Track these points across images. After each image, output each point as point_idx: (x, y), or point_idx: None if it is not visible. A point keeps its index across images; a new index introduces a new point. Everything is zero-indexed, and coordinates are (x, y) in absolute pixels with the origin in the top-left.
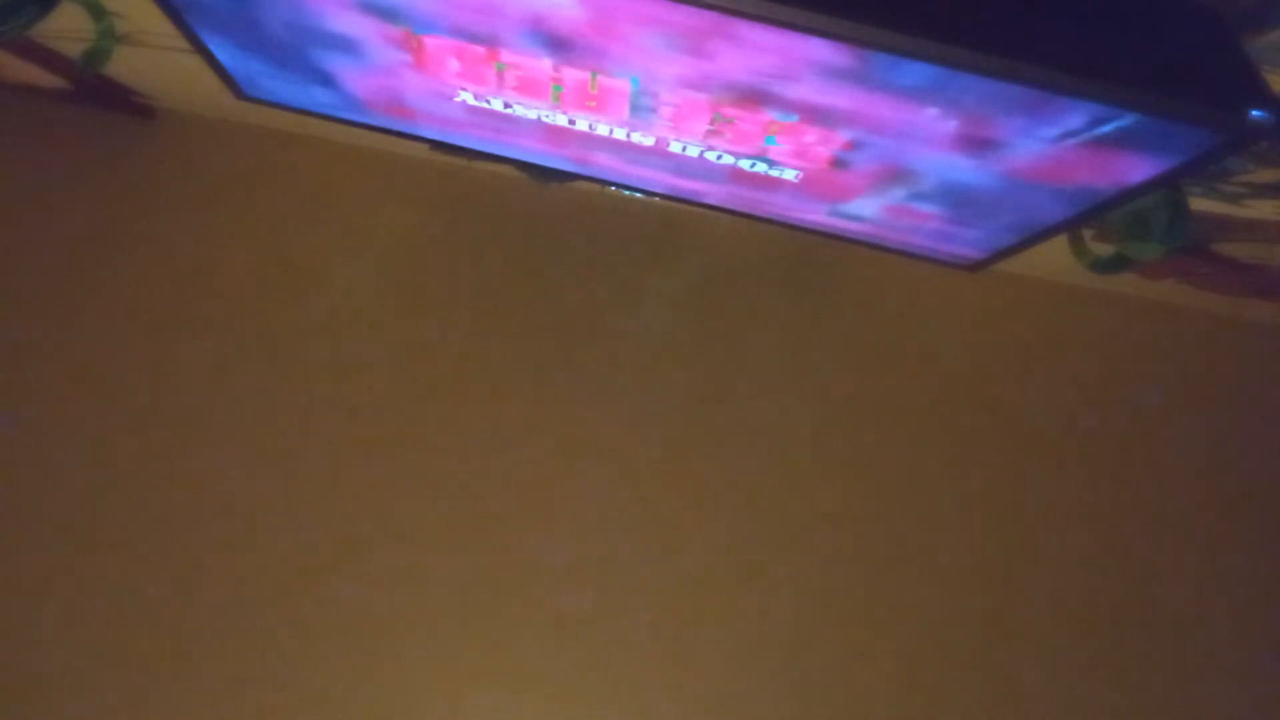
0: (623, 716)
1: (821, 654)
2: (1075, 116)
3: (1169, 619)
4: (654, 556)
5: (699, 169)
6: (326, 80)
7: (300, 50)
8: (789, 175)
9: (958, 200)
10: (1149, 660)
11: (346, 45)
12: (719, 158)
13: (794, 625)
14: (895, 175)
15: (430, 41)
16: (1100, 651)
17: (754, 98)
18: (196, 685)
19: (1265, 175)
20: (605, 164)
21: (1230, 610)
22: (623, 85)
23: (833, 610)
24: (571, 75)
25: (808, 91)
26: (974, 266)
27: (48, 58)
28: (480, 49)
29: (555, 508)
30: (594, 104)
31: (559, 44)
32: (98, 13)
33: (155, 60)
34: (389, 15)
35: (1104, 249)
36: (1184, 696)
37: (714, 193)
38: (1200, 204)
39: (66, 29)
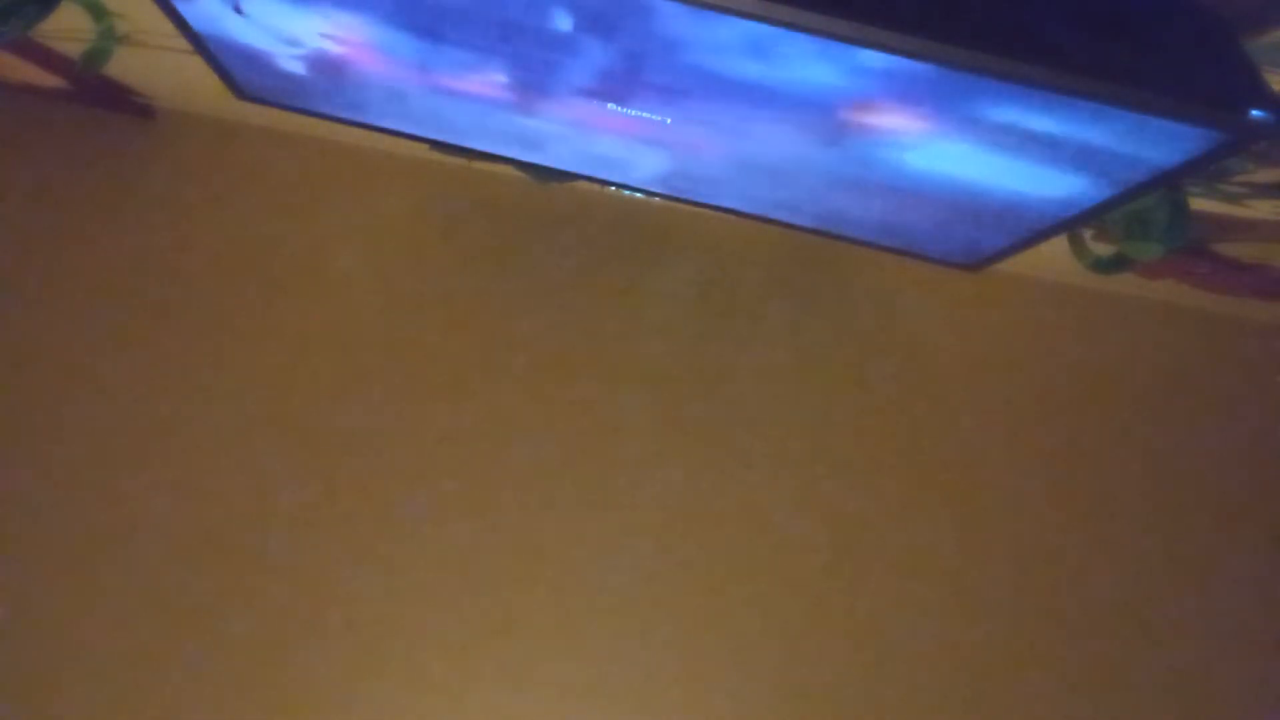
0: (626, 716)
1: (822, 652)
2: (1075, 116)
3: (1169, 619)
4: (656, 555)
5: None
6: (326, 80)
7: (298, 50)
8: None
9: (957, 199)
10: (1149, 661)
11: (347, 45)
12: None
13: (794, 623)
14: (896, 174)
15: (429, 41)
16: (1099, 652)
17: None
18: (198, 685)
19: (1265, 175)
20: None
21: (1231, 610)
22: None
23: (833, 609)
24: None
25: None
26: (974, 266)
27: (48, 58)
28: (476, 49)
29: (556, 506)
30: (599, 118)
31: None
32: (98, 13)
33: (155, 60)
34: (391, 15)
35: (1104, 249)
36: (1184, 697)
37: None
38: (1200, 204)
39: (66, 29)
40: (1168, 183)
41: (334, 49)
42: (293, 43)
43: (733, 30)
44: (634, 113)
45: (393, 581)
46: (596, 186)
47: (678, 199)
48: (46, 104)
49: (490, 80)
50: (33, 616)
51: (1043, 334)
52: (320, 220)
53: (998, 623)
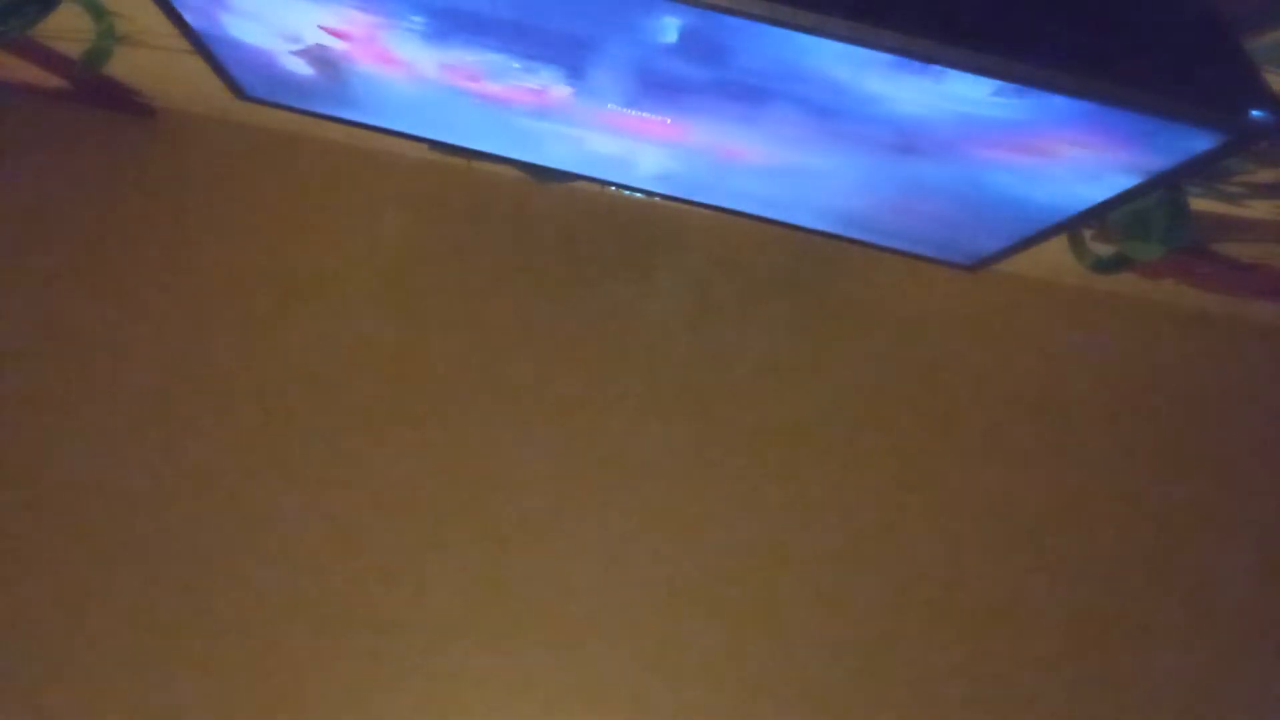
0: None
1: (822, 653)
2: (1074, 116)
3: (1167, 619)
4: (658, 557)
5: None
6: (327, 79)
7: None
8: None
9: (957, 200)
10: (1147, 661)
11: (348, 45)
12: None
13: (795, 624)
14: (896, 174)
15: (425, 38)
16: (1100, 653)
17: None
18: (199, 687)
19: (1265, 175)
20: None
21: (1230, 611)
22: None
23: (833, 610)
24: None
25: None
26: (974, 266)
27: (48, 58)
28: (484, 45)
29: (557, 506)
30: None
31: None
32: (98, 13)
33: (155, 60)
34: (392, 6)
35: (1104, 249)
36: (1183, 698)
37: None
38: (1200, 204)
39: (66, 29)
40: (1168, 183)
41: (333, 43)
42: (291, 38)
43: (723, 26)
44: (639, 113)
45: (392, 580)
46: (596, 186)
47: (678, 199)
48: (46, 104)
49: (499, 79)
50: (35, 616)
51: (1043, 334)
52: (320, 220)
53: (996, 622)
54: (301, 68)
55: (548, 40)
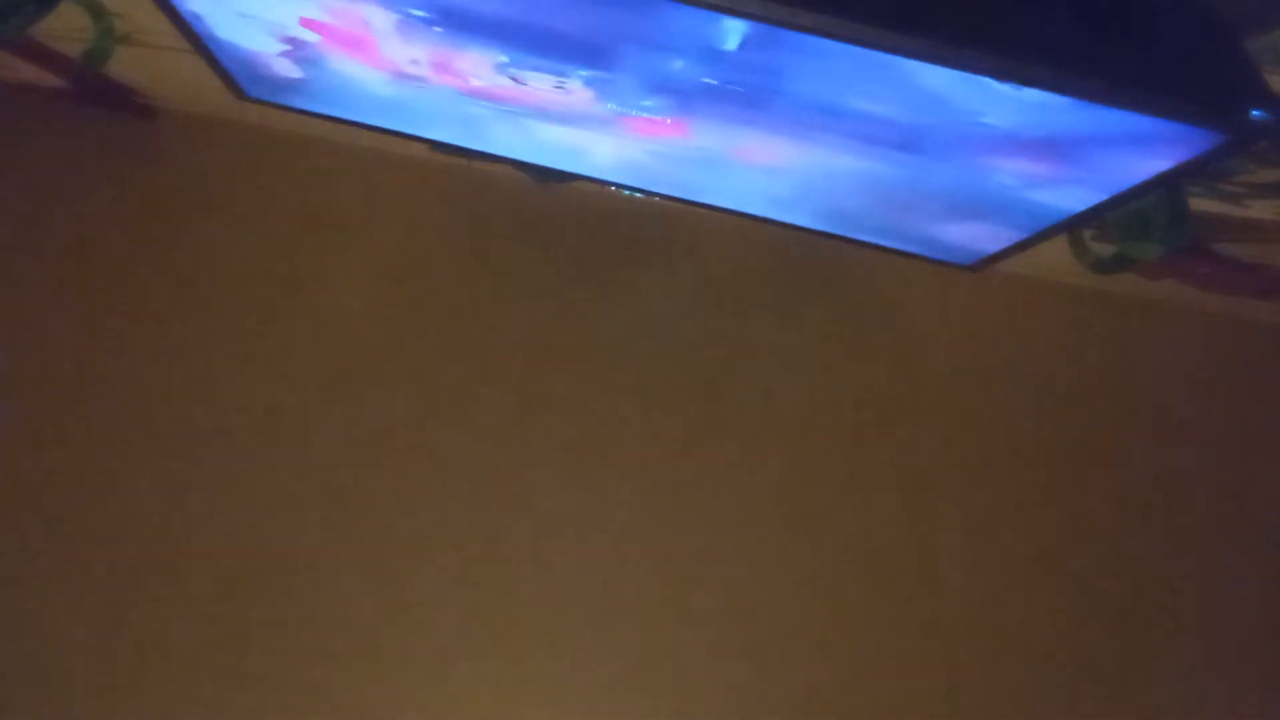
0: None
1: (823, 655)
2: (1074, 116)
3: (1169, 621)
4: (657, 558)
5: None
6: (324, 78)
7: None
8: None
9: (957, 199)
10: (1149, 662)
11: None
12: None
13: (796, 626)
14: (897, 176)
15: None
16: (1101, 654)
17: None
18: (195, 689)
19: (1265, 175)
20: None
21: (1231, 612)
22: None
23: (833, 613)
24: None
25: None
26: (974, 266)
27: (48, 58)
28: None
29: (557, 509)
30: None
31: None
32: (98, 13)
33: (155, 60)
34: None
35: (1104, 249)
36: (1184, 698)
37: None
38: (1200, 204)
39: (66, 29)
40: (1168, 183)
41: (328, 41)
42: (288, 38)
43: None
44: (639, 113)
45: (390, 579)
46: (596, 186)
47: (678, 199)
48: (46, 104)
49: (498, 78)
50: (28, 615)
51: (1043, 334)
52: (319, 219)
53: (997, 623)
54: (298, 68)
55: (547, 39)
